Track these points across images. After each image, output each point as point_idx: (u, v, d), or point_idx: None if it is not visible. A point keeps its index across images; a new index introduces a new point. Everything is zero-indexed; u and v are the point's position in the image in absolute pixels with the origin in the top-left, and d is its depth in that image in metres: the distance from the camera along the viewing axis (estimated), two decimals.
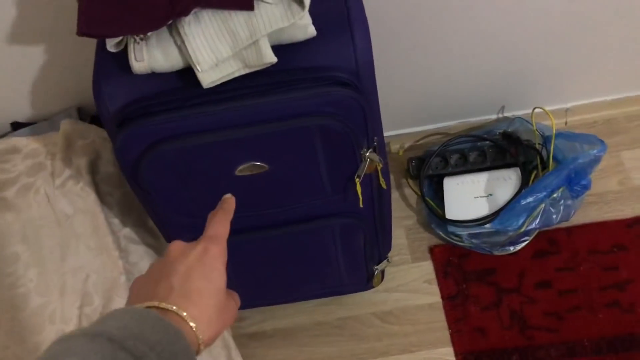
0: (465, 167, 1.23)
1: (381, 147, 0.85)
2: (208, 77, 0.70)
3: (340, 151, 0.77)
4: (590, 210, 1.22)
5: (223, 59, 0.69)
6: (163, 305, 0.42)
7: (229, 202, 0.55)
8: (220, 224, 0.51)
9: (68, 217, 1.05)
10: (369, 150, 0.79)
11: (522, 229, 1.11)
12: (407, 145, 1.34)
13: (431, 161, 1.24)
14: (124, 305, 0.45)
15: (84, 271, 1.03)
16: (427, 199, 1.24)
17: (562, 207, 1.12)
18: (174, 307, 0.42)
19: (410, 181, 1.30)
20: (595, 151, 1.04)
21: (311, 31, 0.72)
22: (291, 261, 0.97)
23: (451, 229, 1.19)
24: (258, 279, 1.01)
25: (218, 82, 0.71)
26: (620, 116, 1.32)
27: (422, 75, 1.18)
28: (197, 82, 0.70)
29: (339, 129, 0.74)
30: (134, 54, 0.70)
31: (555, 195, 1.11)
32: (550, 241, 1.19)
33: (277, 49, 0.71)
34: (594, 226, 1.20)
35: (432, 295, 1.18)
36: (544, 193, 1.08)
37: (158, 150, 0.73)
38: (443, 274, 1.19)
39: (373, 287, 1.12)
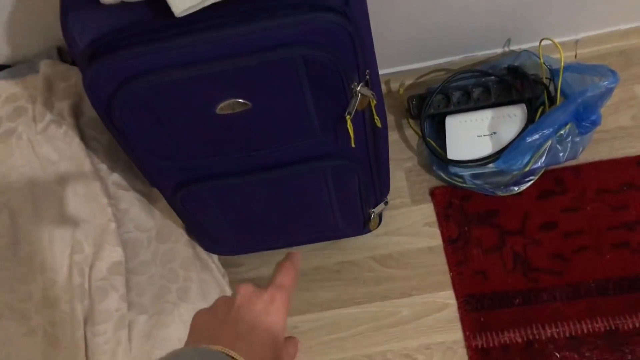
0: (469, 105, 1.17)
1: (374, 82, 0.79)
2: (180, 4, 0.64)
3: (328, 85, 0.72)
4: (600, 147, 1.16)
5: None
6: (230, 352, 0.41)
7: (296, 256, 0.54)
8: (287, 275, 0.50)
9: (53, 163, 1.01)
10: (360, 85, 0.73)
11: (527, 168, 1.06)
12: (407, 83, 1.28)
13: (432, 99, 1.18)
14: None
15: (73, 219, 1.00)
16: (428, 139, 1.18)
17: (569, 145, 1.06)
18: (238, 356, 0.41)
19: (411, 121, 1.24)
20: (605, 83, 0.97)
21: None
22: (283, 205, 0.93)
23: (453, 169, 1.14)
24: (251, 223, 0.98)
25: (192, 10, 0.65)
26: (634, 47, 1.24)
27: (423, 5, 1.11)
28: (171, 12, 0.65)
29: (325, 60, 0.68)
30: None
31: (562, 132, 1.05)
32: (556, 181, 1.14)
33: None
34: (603, 164, 1.14)
35: (433, 239, 1.14)
36: (550, 130, 1.03)
37: (130, 87, 0.68)
38: (444, 216, 1.15)
39: (370, 231, 1.08)
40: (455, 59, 1.26)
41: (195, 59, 0.67)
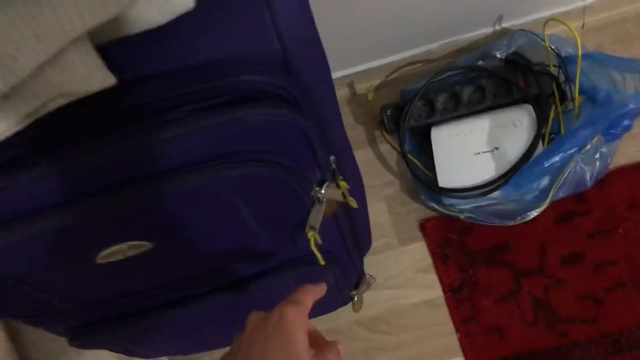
0: (458, 111, 0.91)
1: (343, 156, 0.52)
2: None
3: (275, 201, 0.45)
4: (625, 146, 0.92)
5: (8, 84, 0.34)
6: None
7: (322, 288, 0.48)
8: (305, 294, 0.46)
9: None
10: (325, 186, 0.46)
11: (547, 200, 0.82)
12: (376, 83, 1.00)
13: (412, 108, 0.91)
14: None
15: None
16: (410, 156, 0.92)
17: (597, 162, 0.82)
18: None
19: (387, 135, 0.98)
20: None
21: (182, 3, 0.36)
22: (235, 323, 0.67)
23: (447, 201, 0.89)
24: (205, 339, 0.72)
25: (15, 130, 0.36)
26: None
27: None
28: None
29: (264, 176, 0.41)
30: None
31: (588, 147, 0.80)
32: (576, 198, 0.90)
33: (125, 45, 0.36)
34: (632, 169, 0.90)
35: (431, 289, 0.90)
36: (575, 149, 0.78)
37: None
38: (441, 258, 0.91)
39: (355, 311, 0.83)
40: (433, 46, 0.98)
41: (43, 203, 0.39)
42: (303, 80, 0.43)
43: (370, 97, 0.97)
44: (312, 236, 0.47)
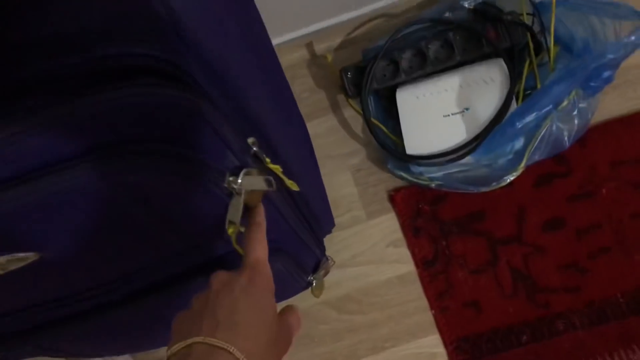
0: (425, 70, 0.83)
1: (278, 136, 0.45)
2: None
3: (178, 199, 0.37)
4: (607, 100, 0.84)
5: None
6: (208, 340, 0.38)
7: (258, 212, 0.45)
8: (258, 245, 0.44)
9: None
10: (242, 174, 0.39)
11: (522, 165, 0.75)
12: (337, 42, 0.92)
13: (374, 69, 0.83)
14: None
15: None
16: (376, 121, 0.85)
17: (576, 119, 0.75)
18: (221, 343, 0.38)
19: (351, 100, 0.90)
20: (633, 37, 0.64)
21: None
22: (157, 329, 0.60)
23: (416, 169, 0.82)
24: (136, 342, 0.66)
25: None
26: None
27: None
28: None
29: (154, 171, 0.34)
30: None
31: (565, 103, 0.73)
32: (556, 159, 0.83)
33: None
34: (615, 124, 0.83)
35: (402, 264, 0.84)
36: (550, 107, 0.70)
37: None
38: (412, 230, 0.85)
39: (315, 297, 0.77)
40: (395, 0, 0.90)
41: None
42: (202, 48, 0.35)
43: (329, 58, 0.89)
44: (233, 233, 0.40)
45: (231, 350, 0.38)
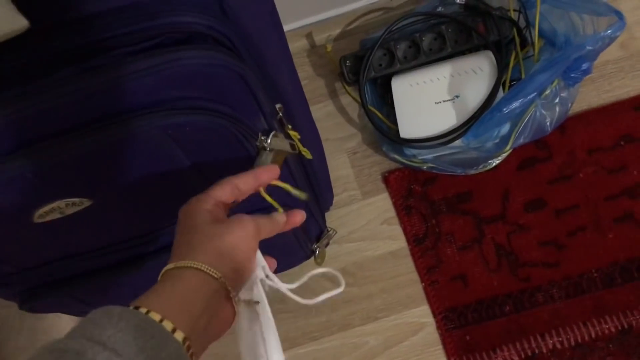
0: (419, 60, 0.89)
1: (295, 107, 0.50)
2: None
3: (219, 153, 0.43)
4: (585, 92, 0.91)
5: None
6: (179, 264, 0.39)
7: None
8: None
9: None
10: (271, 135, 0.45)
11: (508, 147, 0.81)
12: (335, 33, 0.98)
13: (372, 58, 0.89)
14: None
15: None
16: (371, 108, 0.91)
17: (557, 106, 0.81)
18: (187, 263, 0.38)
19: (348, 87, 0.96)
20: (609, 32, 0.71)
21: None
22: None
23: (409, 151, 0.88)
24: None
25: None
26: None
27: None
28: None
29: (205, 124, 0.39)
30: None
31: (547, 92, 0.79)
32: (538, 144, 0.90)
33: None
34: (592, 114, 0.90)
35: (395, 240, 0.90)
36: (534, 94, 0.77)
37: None
38: (405, 209, 0.91)
39: (317, 265, 0.83)
40: None
41: None
42: (241, 23, 0.41)
43: (329, 48, 0.95)
44: (263, 190, 0.46)
45: (192, 265, 0.39)
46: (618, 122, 0.89)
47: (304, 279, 0.46)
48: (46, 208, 0.41)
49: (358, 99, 0.94)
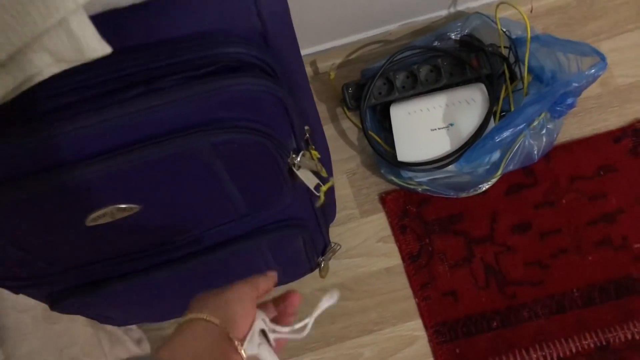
0: (416, 90, 0.95)
1: (315, 128, 0.56)
2: None
3: (255, 167, 0.48)
4: (569, 124, 0.99)
5: (8, 54, 0.37)
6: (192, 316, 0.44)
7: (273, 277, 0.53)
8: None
9: None
10: (300, 155, 0.50)
11: (499, 173, 0.88)
12: (338, 62, 1.04)
13: (372, 86, 0.95)
14: None
15: None
16: (371, 133, 0.97)
17: (544, 137, 0.88)
18: (197, 315, 0.44)
19: (349, 112, 1.02)
20: (593, 71, 0.78)
21: None
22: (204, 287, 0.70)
23: (405, 174, 0.94)
24: (161, 309, 0.75)
25: (10, 97, 0.39)
26: None
27: None
28: None
29: (245, 142, 0.45)
30: None
31: (535, 123, 0.86)
32: (525, 171, 0.96)
33: (116, 16, 0.39)
34: (575, 145, 0.98)
35: (390, 257, 0.96)
36: (524, 125, 0.84)
37: None
38: (400, 228, 0.97)
39: (321, 277, 0.88)
40: (391, 27, 1.03)
41: (34, 167, 0.42)
42: (279, 54, 0.47)
43: (332, 75, 1.01)
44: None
45: (199, 316, 0.43)
46: (598, 154, 0.97)
47: (307, 321, 0.51)
48: (100, 212, 0.46)
49: (358, 123, 1.01)
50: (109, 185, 0.44)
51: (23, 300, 0.82)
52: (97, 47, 0.37)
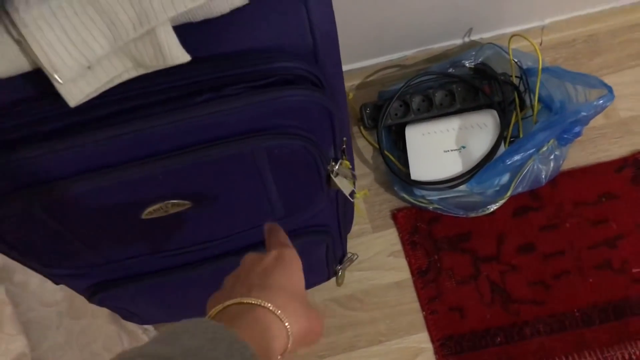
0: (431, 112, 1.00)
1: (348, 143, 0.61)
2: (76, 91, 0.42)
3: (298, 172, 0.53)
4: (574, 152, 1.04)
5: (97, 58, 0.41)
6: (244, 299, 0.39)
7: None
8: (282, 235, 0.49)
9: None
10: (338, 164, 0.55)
11: (508, 194, 0.93)
12: (357, 83, 1.09)
13: (389, 108, 1.00)
14: None
15: None
16: (387, 153, 1.01)
17: (552, 162, 0.93)
18: (256, 299, 0.39)
19: (365, 131, 1.07)
20: (601, 101, 0.83)
21: None
22: None
23: (418, 192, 0.98)
24: (189, 307, 0.78)
25: (93, 95, 0.43)
26: (602, 32, 1.11)
27: None
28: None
29: (294, 148, 0.49)
30: None
31: (544, 148, 0.91)
32: (531, 195, 1.01)
33: (188, 29, 0.44)
34: (579, 172, 1.03)
35: (400, 271, 1.00)
36: (533, 150, 0.89)
37: (17, 204, 0.46)
38: (410, 244, 1.01)
39: (338, 285, 0.92)
40: (409, 53, 1.08)
41: (107, 160, 0.46)
42: (326, 69, 0.51)
43: (351, 96, 1.06)
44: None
45: (265, 305, 0.38)
46: (600, 181, 1.02)
47: None
48: (156, 206, 0.50)
49: (373, 142, 1.05)
50: (170, 180, 0.48)
51: (49, 295, 0.86)
52: (179, 55, 0.42)
